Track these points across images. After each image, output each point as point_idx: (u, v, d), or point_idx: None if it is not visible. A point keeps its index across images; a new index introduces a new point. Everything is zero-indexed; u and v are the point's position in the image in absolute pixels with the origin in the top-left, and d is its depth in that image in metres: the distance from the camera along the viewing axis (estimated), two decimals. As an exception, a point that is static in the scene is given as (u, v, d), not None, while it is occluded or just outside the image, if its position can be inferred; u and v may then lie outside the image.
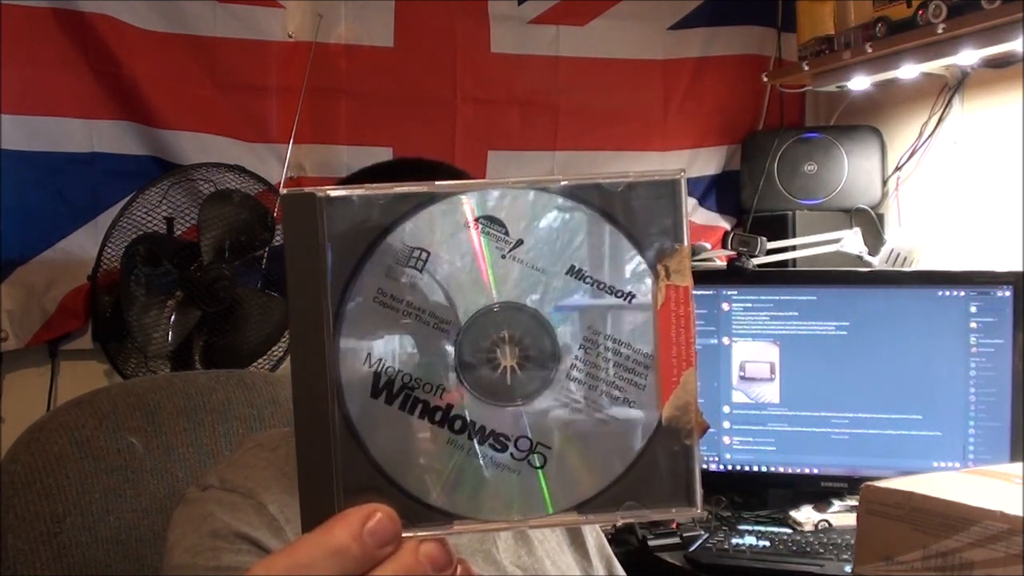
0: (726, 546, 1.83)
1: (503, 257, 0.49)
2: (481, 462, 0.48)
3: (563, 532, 1.12)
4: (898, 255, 2.26)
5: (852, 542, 1.75)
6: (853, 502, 1.96)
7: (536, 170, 2.49)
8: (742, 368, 2.07)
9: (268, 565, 0.47)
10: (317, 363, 0.47)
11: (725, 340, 2.07)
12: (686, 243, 0.51)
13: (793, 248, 2.34)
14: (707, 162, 2.65)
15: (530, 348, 0.49)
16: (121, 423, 1.07)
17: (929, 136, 2.36)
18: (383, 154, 2.33)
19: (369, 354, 0.48)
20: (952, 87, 2.30)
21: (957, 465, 1.92)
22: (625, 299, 0.50)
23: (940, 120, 2.33)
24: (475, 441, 0.48)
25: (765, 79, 2.48)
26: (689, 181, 2.50)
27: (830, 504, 2.01)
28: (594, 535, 1.15)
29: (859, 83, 2.29)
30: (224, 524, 0.86)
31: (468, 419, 0.48)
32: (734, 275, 2.10)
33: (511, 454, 0.48)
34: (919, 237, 2.33)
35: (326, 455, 0.48)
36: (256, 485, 0.90)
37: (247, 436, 1.06)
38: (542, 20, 2.47)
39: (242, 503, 0.89)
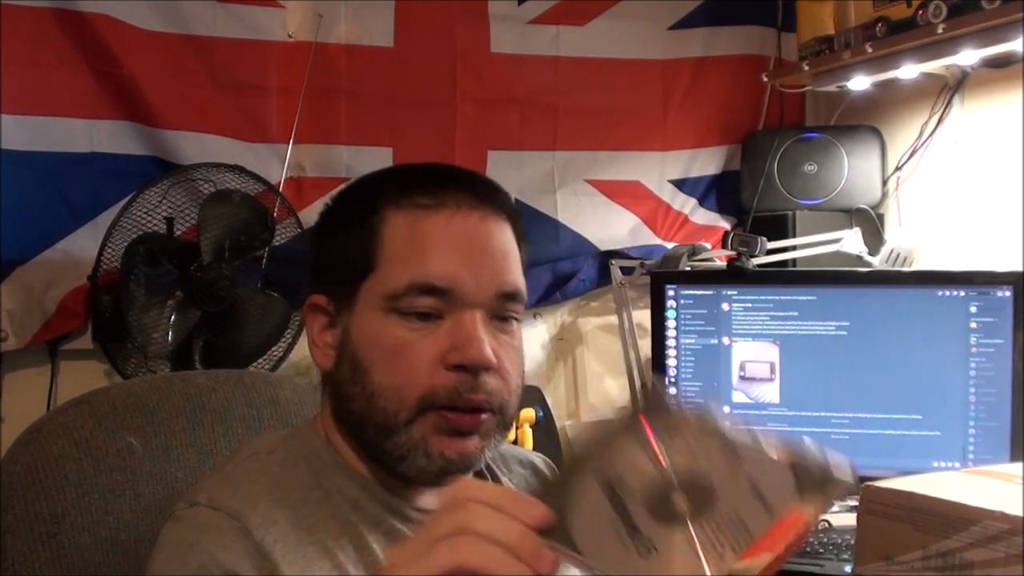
0: (726, 546, 1.83)
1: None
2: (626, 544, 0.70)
3: None
4: (898, 255, 2.26)
5: (852, 542, 1.75)
6: (853, 502, 1.96)
7: (536, 170, 2.49)
8: (742, 368, 2.07)
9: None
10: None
11: (725, 340, 2.07)
12: (847, 478, 0.72)
13: (793, 248, 2.34)
14: (707, 162, 2.65)
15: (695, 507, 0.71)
16: (120, 423, 1.06)
17: (929, 136, 2.36)
18: (383, 154, 2.33)
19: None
20: (952, 87, 2.30)
21: (957, 465, 1.92)
22: (767, 510, 0.71)
23: (940, 120, 2.33)
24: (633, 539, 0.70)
25: (765, 79, 2.48)
26: (689, 181, 2.51)
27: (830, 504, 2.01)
28: None
29: (859, 83, 2.29)
30: (210, 557, 0.85)
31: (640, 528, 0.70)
32: (734, 275, 2.10)
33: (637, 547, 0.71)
34: (919, 237, 2.33)
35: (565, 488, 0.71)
36: (244, 504, 0.89)
37: (246, 442, 1.05)
38: (542, 20, 2.46)
39: (227, 528, 0.88)
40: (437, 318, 0.91)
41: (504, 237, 0.96)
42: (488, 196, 0.96)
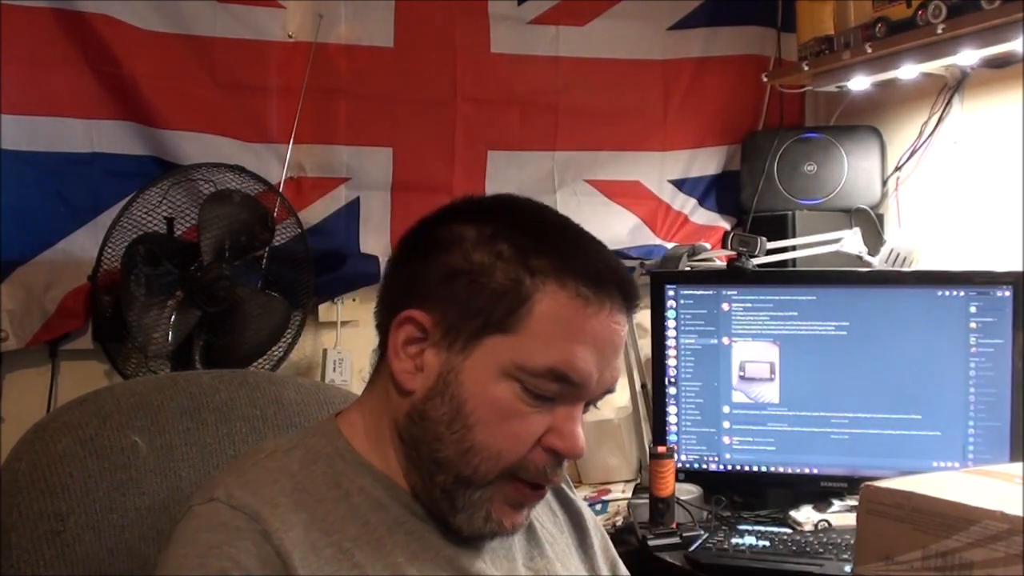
0: (726, 546, 1.83)
1: None
2: None
3: (571, 534, 1.12)
4: (898, 255, 2.26)
5: (852, 542, 1.75)
6: (853, 502, 1.97)
7: (536, 170, 2.49)
8: (742, 368, 2.07)
9: None
10: None
11: (725, 340, 2.07)
12: None
13: (793, 248, 2.34)
14: (707, 162, 2.65)
15: None
16: (124, 422, 1.06)
17: (929, 136, 2.36)
18: (383, 154, 2.33)
19: None
20: (952, 87, 2.30)
21: (957, 465, 1.92)
22: None
23: (940, 120, 2.34)
24: None
25: (765, 79, 2.48)
26: (689, 181, 2.53)
27: (830, 504, 2.02)
28: (599, 536, 1.16)
29: (859, 83, 2.30)
30: (232, 561, 0.85)
31: None
32: (734, 275, 2.10)
33: None
34: (919, 237, 2.33)
35: None
36: (263, 505, 0.89)
37: (263, 441, 1.04)
38: (542, 20, 2.47)
39: (246, 530, 0.87)
40: (550, 400, 0.93)
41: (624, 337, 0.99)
42: (634, 300, 0.98)
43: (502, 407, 0.92)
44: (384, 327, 0.98)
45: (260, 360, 2.09)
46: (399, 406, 0.96)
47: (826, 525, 1.92)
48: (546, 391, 0.92)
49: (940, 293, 1.96)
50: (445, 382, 0.93)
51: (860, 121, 2.54)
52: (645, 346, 2.29)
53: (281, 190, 2.18)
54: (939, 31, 1.92)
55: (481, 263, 0.93)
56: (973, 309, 1.93)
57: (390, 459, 0.97)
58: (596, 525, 1.16)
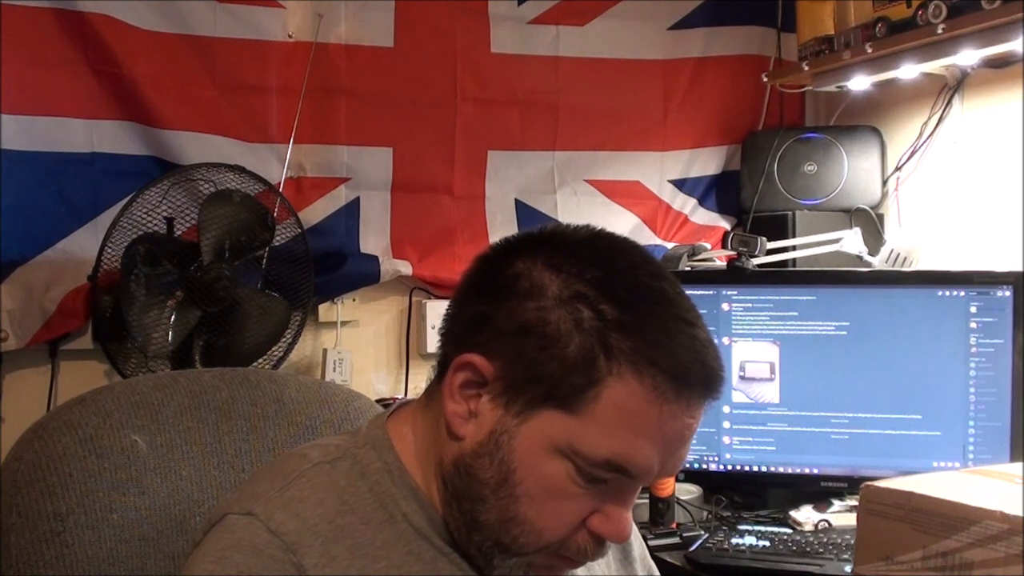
0: (726, 546, 1.83)
1: None
2: None
3: (614, 550, 1.07)
4: (898, 255, 2.26)
5: (852, 542, 1.75)
6: (853, 502, 1.97)
7: (536, 170, 2.49)
8: (742, 368, 2.07)
9: None
10: None
11: (725, 340, 2.07)
12: None
13: (793, 248, 2.34)
14: (707, 162, 2.65)
15: None
16: (125, 421, 1.06)
17: (929, 136, 2.36)
18: (383, 154, 2.34)
19: None
20: (952, 87, 2.30)
21: (957, 465, 1.92)
22: None
23: (940, 120, 2.33)
24: None
25: (765, 79, 2.48)
26: (689, 181, 2.52)
27: (830, 504, 2.01)
28: (639, 545, 1.12)
29: (859, 83, 2.30)
30: None
31: None
32: (734, 275, 2.10)
33: None
34: (919, 237, 2.33)
35: None
36: (303, 532, 0.86)
37: (308, 446, 0.98)
38: (542, 20, 2.47)
39: (281, 561, 0.84)
40: (602, 482, 0.86)
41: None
42: (717, 392, 0.88)
43: (550, 484, 0.85)
44: (445, 359, 0.91)
45: (260, 360, 2.09)
46: (447, 448, 0.90)
47: (826, 525, 1.92)
48: (600, 476, 0.85)
49: (940, 293, 1.96)
50: (496, 443, 0.86)
51: (860, 121, 2.54)
52: (645, 346, 2.28)
53: (281, 190, 2.18)
54: (939, 31, 1.92)
55: (556, 328, 0.84)
56: (973, 309, 1.93)
57: (433, 491, 0.92)
58: (636, 533, 1.12)
